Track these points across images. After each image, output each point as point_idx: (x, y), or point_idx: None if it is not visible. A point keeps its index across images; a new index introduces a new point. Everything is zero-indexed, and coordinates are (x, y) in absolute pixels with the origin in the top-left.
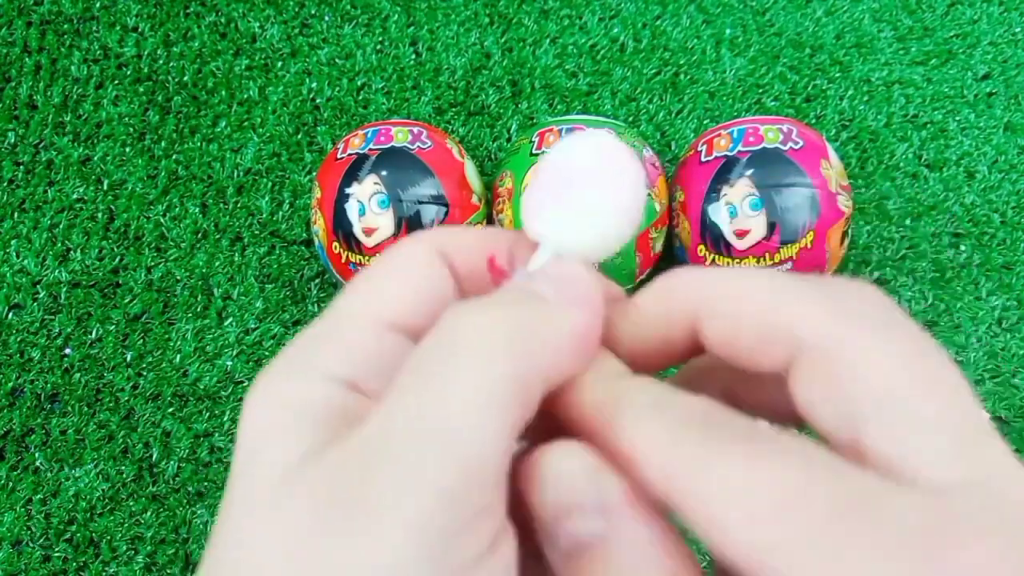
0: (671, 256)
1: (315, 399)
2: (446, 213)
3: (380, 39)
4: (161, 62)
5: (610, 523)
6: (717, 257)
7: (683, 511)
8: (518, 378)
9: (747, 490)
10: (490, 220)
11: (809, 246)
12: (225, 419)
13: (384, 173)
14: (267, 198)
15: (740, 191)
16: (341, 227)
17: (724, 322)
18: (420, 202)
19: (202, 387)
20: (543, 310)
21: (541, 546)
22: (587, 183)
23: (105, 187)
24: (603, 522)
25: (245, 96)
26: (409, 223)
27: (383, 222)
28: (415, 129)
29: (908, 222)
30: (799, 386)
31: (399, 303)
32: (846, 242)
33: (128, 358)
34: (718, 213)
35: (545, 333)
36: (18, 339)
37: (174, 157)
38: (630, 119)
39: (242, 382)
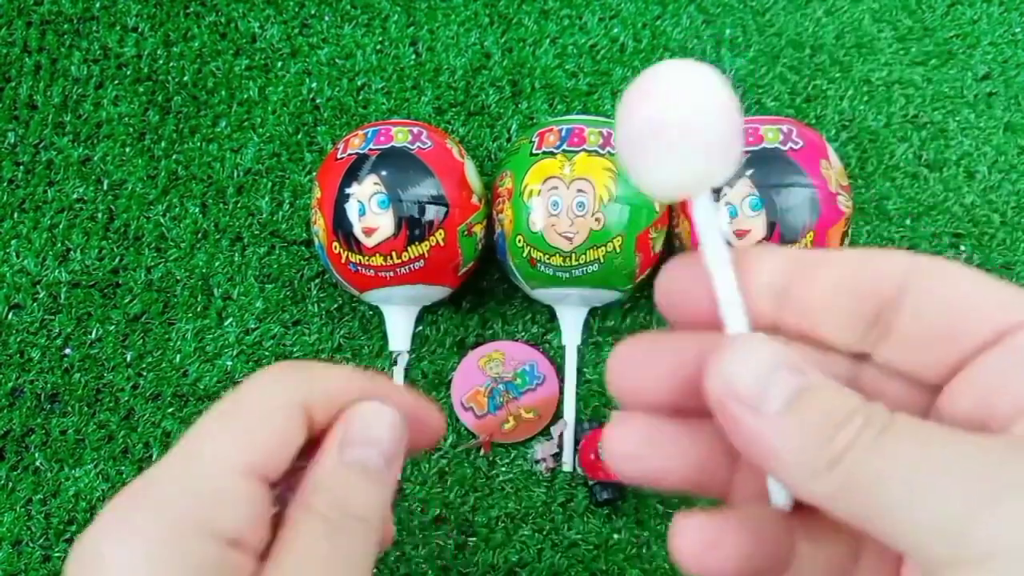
0: (671, 256)
1: (183, 551)
2: (446, 213)
3: (380, 39)
4: (161, 62)
5: (808, 376)
6: None
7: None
8: None
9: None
10: (490, 220)
11: (809, 246)
12: None
13: (384, 173)
14: (267, 198)
15: (740, 191)
16: (341, 227)
17: (929, 300)
18: (420, 202)
19: (202, 387)
20: None
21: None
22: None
23: (105, 187)
24: (801, 376)
25: (245, 96)
26: (409, 223)
27: (383, 222)
28: (415, 129)
29: (908, 222)
30: (986, 375)
31: (259, 452)
32: (846, 242)
33: (128, 358)
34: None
35: None
36: (18, 339)
37: (174, 157)
38: None
39: (242, 382)
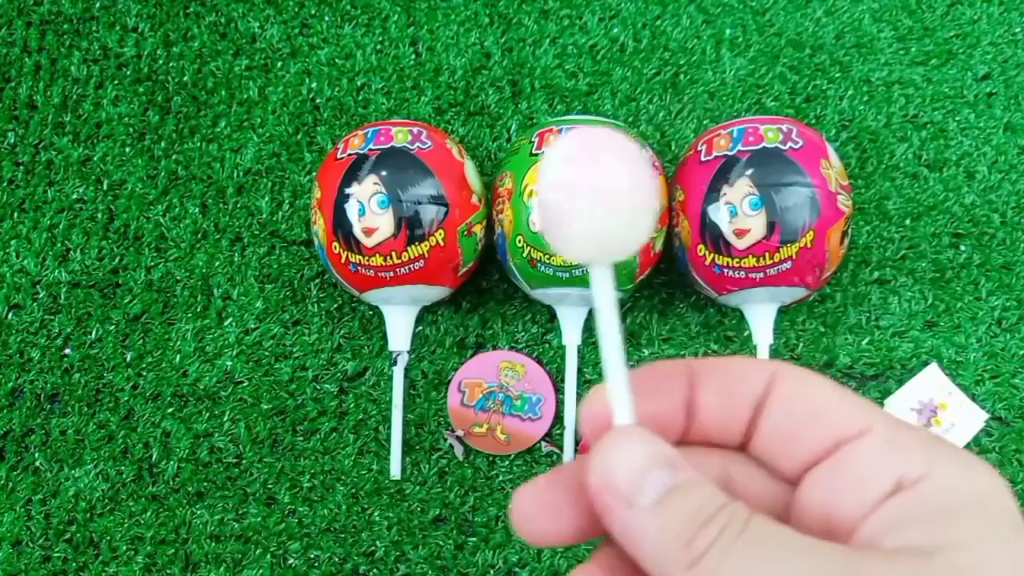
0: (671, 256)
1: None
2: (446, 213)
3: (380, 39)
4: (161, 62)
5: (677, 474)
6: (717, 256)
7: None
8: None
9: None
10: (490, 220)
11: (809, 245)
12: (225, 419)
13: (384, 173)
14: (267, 198)
15: (740, 191)
16: (341, 227)
17: (784, 406)
18: (420, 202)
19: (202, 387)
20: None
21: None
22: (585, 189)
23: (105, 187)
24: (670, 475)
25: (245, 96)
26: (409, 223)
27: (383, 222)
28: (415, 129)
29: (908, 222)
30: (824, 483)
31: None
32: (846, 242)
33: (128, 358)
34: (718, 213)
35: None
36: (18, 339)
37: (174, 157)
38: (630, 119)
39: (242, 382)
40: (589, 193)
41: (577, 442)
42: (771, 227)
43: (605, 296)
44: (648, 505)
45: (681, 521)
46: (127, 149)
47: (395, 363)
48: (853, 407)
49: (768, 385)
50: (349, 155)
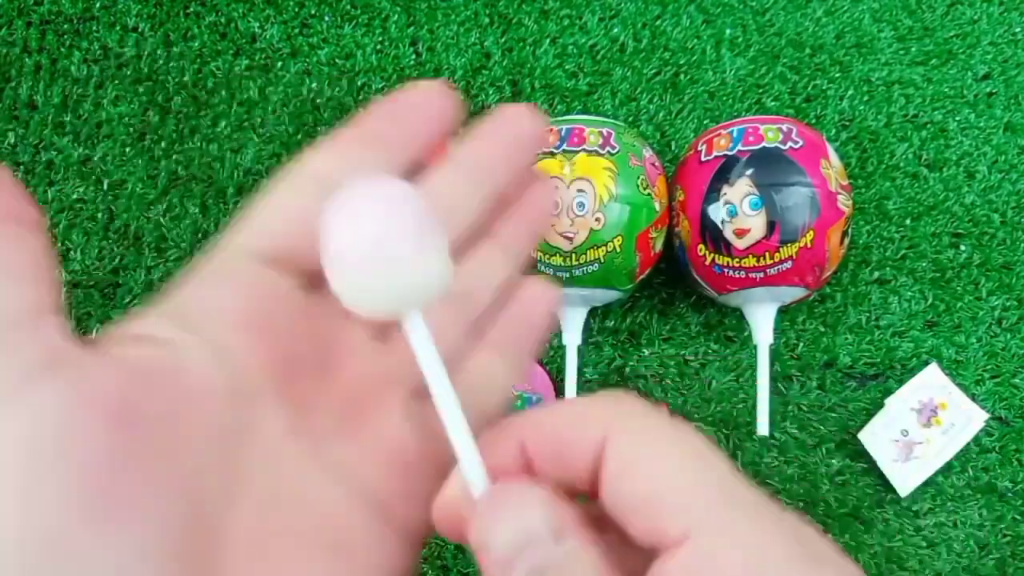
0: (671, 256)
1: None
2: None
3: (380, 39)
4: (161, 62)
5: (567, 546)
6: (717, 256)
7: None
8: None
9: None
10: None
11: (809, 245)
12: None
13: None
14: None
15: (740, 190)
16: None
17: (624, 472)
18: None
19: None
20: None
21: None
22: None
23: (105, 187)
24: (560, 547)
25: (245, 96)
26: None
27: None
28: None
29: (908, 222)
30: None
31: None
32: (846, 242)
33: None
34: (718, 212)
35: None
36: None
37: (174, 157)
38: (630, 119)
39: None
40: (365, 250)
41: None
42: (771, 227)
43: (425, 348)
44: None
45: None
46: (127, 149)
47: None
48: (677, 498)
49: (598, 453)
50: None
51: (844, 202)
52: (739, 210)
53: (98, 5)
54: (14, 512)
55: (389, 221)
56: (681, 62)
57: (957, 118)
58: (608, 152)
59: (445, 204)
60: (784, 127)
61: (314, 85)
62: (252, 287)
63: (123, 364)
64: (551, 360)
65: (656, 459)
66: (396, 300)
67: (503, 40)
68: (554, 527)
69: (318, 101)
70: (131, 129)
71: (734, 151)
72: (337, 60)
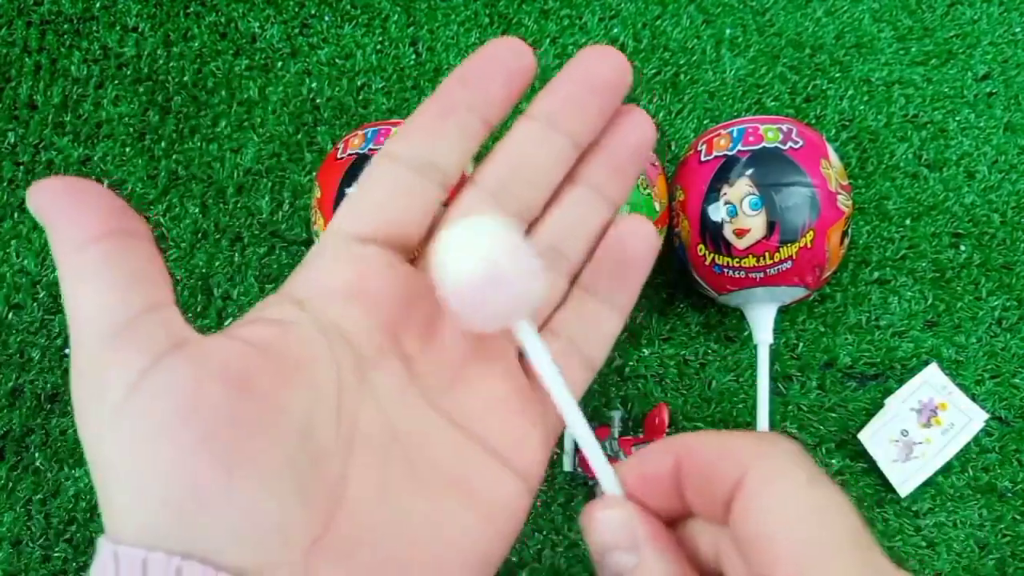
0: (671, 255)
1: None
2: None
3: (380, 39)
4: (161, 62)
5: (640, 557)
6: (717, 256)
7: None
8: None
9: None
10: None
11: (809, 245)
12: None
13: None
14: (267, 198)
15: (740, 190)
16: None
17: (756, 512)
18: None
19: None
20: None
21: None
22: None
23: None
24: (635, 557)
25: (245, 96)
26: None
27: None
28: None
29: (908, 222)
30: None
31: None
32: (846, 242)
33: None
34: (718, 212)
35: None
36: (18, 339)
37: (174, 157)
38: None
39: None
40: (477, 280)
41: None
42: (771, 227)
43: (536, 348)
44: None
45: None
46: (127, 149)
47: None
48: (790, 549)
49: (735, 487)
50: (349, 155)
51: (844, 202)
52: (739, 210)
53: (98, 5)
54: (162, 461)
55: (492, 251)
56: (681, 62)
57: (957, 118)
58: None
59: (530, 163)
60: (784, 127)
61: (314, 85)
62: (353, 264)
63: (240, 342)
64: None
65: (780, 507)
66: (506, 316)
67: None
68: (631, 539)
69: (318, 101)
70: (131, 129)
71: (734, 151)
72: (337, 60)
